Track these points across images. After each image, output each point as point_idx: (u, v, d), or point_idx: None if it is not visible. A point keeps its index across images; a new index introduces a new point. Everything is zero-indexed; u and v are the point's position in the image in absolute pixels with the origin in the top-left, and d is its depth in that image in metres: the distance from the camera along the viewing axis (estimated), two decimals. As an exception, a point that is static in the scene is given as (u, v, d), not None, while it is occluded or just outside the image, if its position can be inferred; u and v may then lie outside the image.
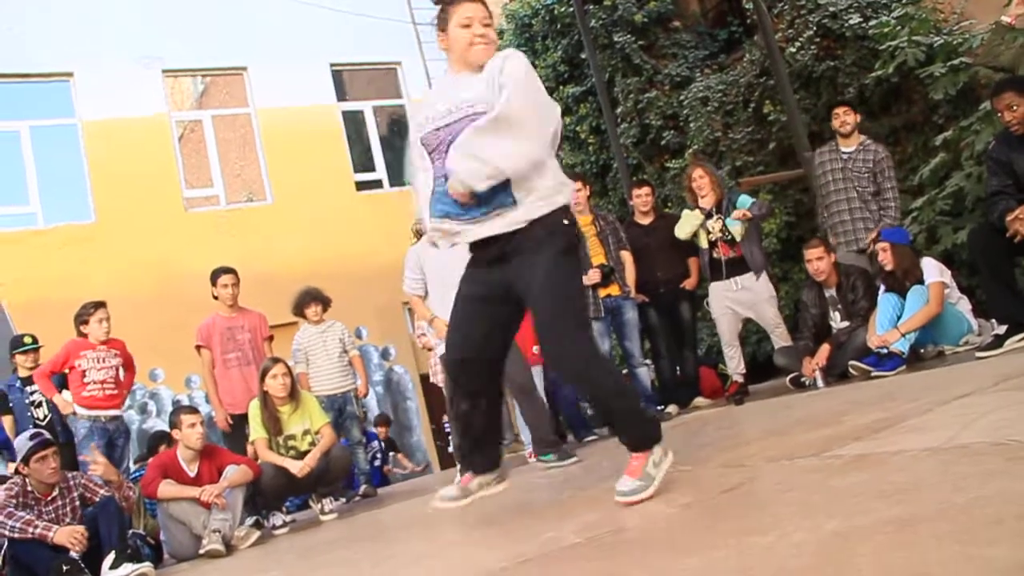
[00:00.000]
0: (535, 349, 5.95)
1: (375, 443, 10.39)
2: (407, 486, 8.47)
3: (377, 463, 10.15)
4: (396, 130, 15.09)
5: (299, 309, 6.88)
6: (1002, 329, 4.54)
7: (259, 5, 13.22)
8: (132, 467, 7.14)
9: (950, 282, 5.48)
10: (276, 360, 5.91)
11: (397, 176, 14.35)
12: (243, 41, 13.19)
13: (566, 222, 2.89)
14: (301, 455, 5.69)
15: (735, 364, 6.54)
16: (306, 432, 5.82)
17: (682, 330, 6.97)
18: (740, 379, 6.49)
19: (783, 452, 2.90)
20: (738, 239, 6.26)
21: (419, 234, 5.40)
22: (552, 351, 2.84)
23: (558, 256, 2.79)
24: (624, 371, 7.11)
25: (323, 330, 6.86)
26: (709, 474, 2.93)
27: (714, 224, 6.44)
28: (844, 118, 6.32)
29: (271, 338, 6.81)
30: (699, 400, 6.79)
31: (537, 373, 5.97)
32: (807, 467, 2.49)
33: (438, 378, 5.66)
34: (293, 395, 5.83)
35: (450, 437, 7.01)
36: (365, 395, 7.24)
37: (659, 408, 6.91)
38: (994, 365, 3.96)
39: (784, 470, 2.57)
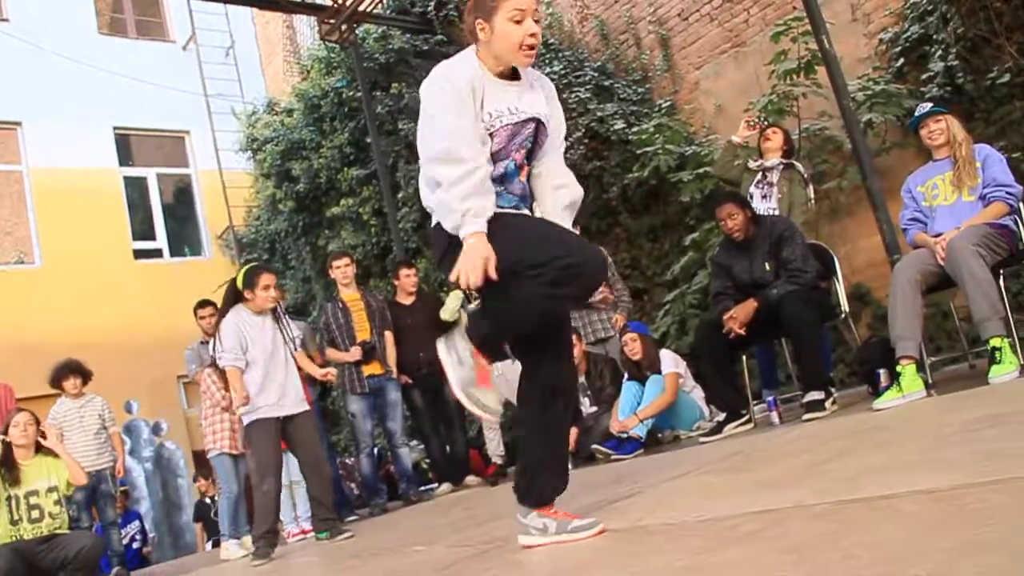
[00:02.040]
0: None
1: (135, 523, 9.99)
2: (170, 567, 8.26)
3: (136, 544, 9.74)
4: (181, 199, 14.86)
5: (56, 381, 6.70)
6: (722, 416, 5.13)
7: (39, 60, 12.79)
8: None
9: (685, 372, 6.05)
10: (21, 410, 5.83)
11: (178, 247, 14.13)
12: (18, 95, 12.71)
13: None
14: (44, 515, 5.57)
15: (494, 447, 6.90)
16: (51, 489, 5.67)
17: (447, 412, 7.09)
18: (499, 460, 6.86)
19: (504, 534, 3.18)
20: None
21: (236, 299, 5.29)
22: None
23: None
24: (388, 451, 7.36)
25: (81, 404, 6.72)
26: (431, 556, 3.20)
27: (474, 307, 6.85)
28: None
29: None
30: (469, 479, 6.96)
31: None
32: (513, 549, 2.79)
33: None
34: (39, 450, 5.76)
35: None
36: (122, 475, 7.10)
37: (423, 488, 7.19)
38: (714, 448, 4.48)
39: (489, 553, 2.86)
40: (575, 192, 2.76)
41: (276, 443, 5.14)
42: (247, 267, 5.43)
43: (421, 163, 2.64)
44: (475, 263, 2.38)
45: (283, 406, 5.13)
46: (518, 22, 2.48)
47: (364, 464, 6.82)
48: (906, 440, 2.89)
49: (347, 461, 7.70)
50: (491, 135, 2.54)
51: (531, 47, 2.52)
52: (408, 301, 7.26)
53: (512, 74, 2.63)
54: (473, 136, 2.48)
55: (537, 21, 2.52)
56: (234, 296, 5.25)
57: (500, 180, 2.60)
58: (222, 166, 13.57)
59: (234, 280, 5.30)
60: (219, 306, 5.50)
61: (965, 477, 1.91)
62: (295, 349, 5.39)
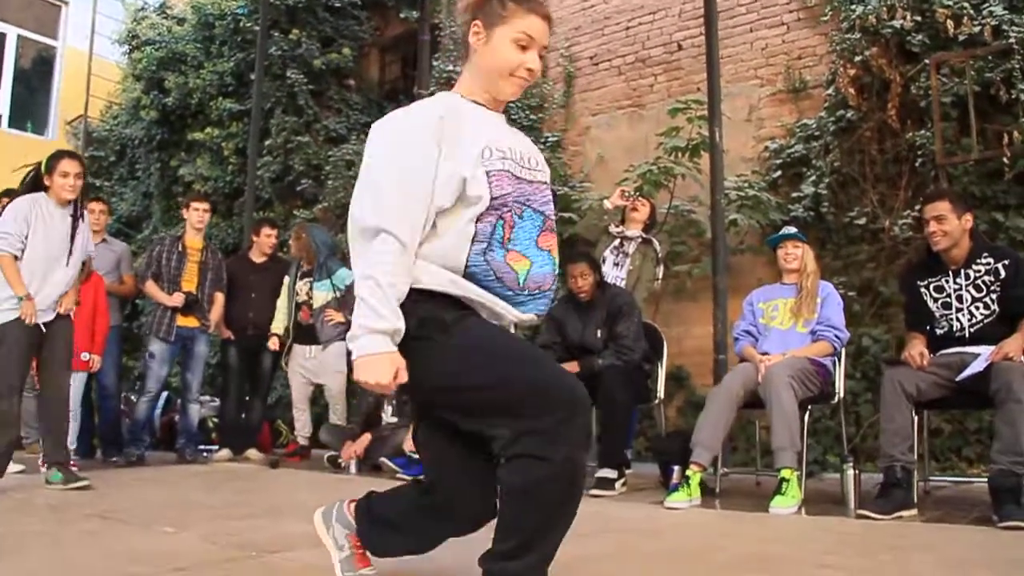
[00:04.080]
0: (84, 356, 5.77)
1: None
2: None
3: None
4: (38, 70, 13.83)
5: None
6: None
7: None
8: None
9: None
10: None
11: (20, 118, 13.15)
12: None
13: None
14: None
15: (300, 426, 6.84)
16: None
17: (259, 377, 6.96)
18: (304, 441, 6.77)
19: (261, 538, 3.05)
20: (315, 305, 6.60)
21: (36, 186, 4.88)
22: None
23: None
24: (177, 401, 7.07)
25: None
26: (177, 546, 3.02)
27: (302, 286, 6.71)
28: None
29: None
30: (252, 452, 6.74)
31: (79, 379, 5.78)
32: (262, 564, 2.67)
33: None
34: None
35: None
36: None
37: (204, 450, 6.91)
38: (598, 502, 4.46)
39: (234, 563, 2.73)
40: None
41: (28, 355, 4.73)
42: (53, 152, 4.99)
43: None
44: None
45: (48, 315, 4.74)
46: (523, 47, 2.07)
47: (141, 409, 6.48)
48: (682, 555, 2.94)
49: (131, 397, 7.30)
50: (487, 175, 2.01)
51: (523, 80, 2.11)
52: (259, 260, 7.10)
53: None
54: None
55: (540, 56, 2.12)
56: (35, 182, 4.86)
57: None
58: (94, 50, 12.75)
59: (39, 165, 4.90)
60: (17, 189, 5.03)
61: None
62: (85, 257, 5.05)
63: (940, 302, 4.12)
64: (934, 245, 4.12)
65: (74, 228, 4.85)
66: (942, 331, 4.09)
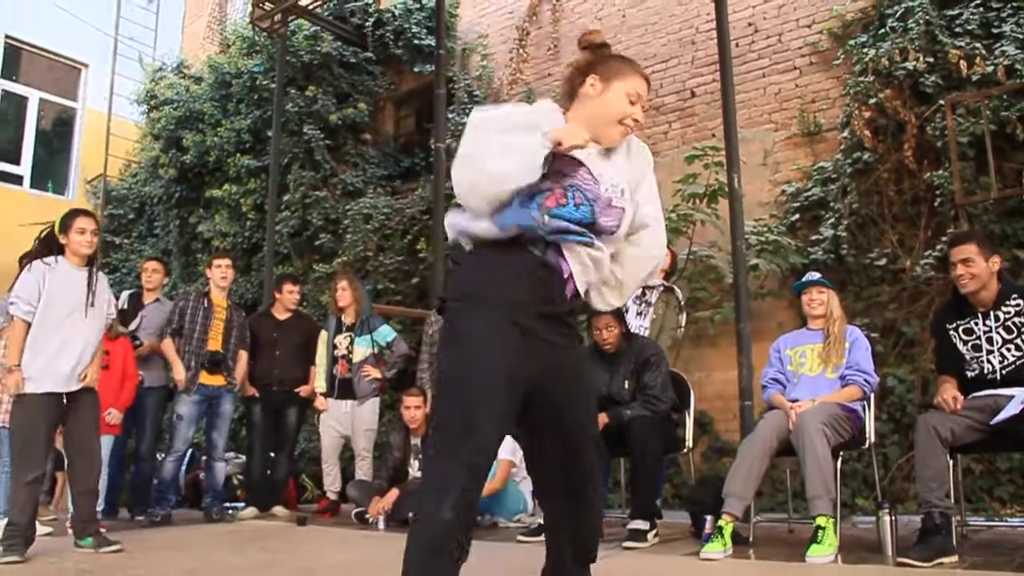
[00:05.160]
0: (107, 415, 5.77)
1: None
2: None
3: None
4: (59, 132, 14.06)
5: None
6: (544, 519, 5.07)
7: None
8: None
9: (519, 462, 6.00)
10: None
11: (41, 179, 13.34)
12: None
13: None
14: None
15: (330, 481, 6.83)
16: None
17: (284, 433, 6.95)
18: (334, 496, 6.77)
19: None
20: (355, 360, 6.64)
21: (51, 247, 4.79)
22: None
23: None
24: (203, 459, 7.08)
25: None
26: None
27: (341, 340, 6.75)
28: None
29: None
30: (278, 508, 6.72)
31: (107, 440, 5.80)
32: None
33: None
34: None
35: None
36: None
37: (230, 507, 6.90)
38: (530, 552, 4.44)
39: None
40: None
41: (52, 426, 4.64)
42: (67, 211, 4.91)
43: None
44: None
45: (71, 382, 4.64)
46: (632, 103, 2.38)
47: (168, 468, 6.45)
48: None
49: (157, 456, 7.31)
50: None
51: (629, 128, 2.39)
52: (283, 316, 7.11)
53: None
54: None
55: (643, 110, 2.44)
56: (49, 242, 4.79)
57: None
58: (113, 111, 12.96)
59: (52, 225, 4.83)
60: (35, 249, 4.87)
61: None
62: (108, 319, 4.99)
63: (970, 344, 4.10)
64: (962, 288, 4.11)
65: (90, 283, 4.80)
66: (973, 374, 4.07)
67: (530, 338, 2.20)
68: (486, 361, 2.15)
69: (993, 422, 3.81)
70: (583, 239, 2.26)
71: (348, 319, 6.84)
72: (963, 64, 6.20)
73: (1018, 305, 4.02)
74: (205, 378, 6.42)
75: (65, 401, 4.67)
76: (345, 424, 6.73)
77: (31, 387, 4.55)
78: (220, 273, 6.70)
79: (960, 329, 4.16)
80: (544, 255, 2.25)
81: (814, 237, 6.80)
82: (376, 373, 6.62)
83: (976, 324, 4.10)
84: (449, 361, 2.25)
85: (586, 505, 2.36)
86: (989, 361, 4.02)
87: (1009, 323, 4.01)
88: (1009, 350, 3.98)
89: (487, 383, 2.13)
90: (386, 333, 6.77)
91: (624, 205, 2.31)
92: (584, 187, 2.27)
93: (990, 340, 4.04)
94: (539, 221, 2.21)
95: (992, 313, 4.07)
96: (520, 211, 2.21)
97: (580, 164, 2.28)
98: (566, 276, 2.28)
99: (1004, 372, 3.97)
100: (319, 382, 6.83)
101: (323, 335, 6.93)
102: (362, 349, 6.72)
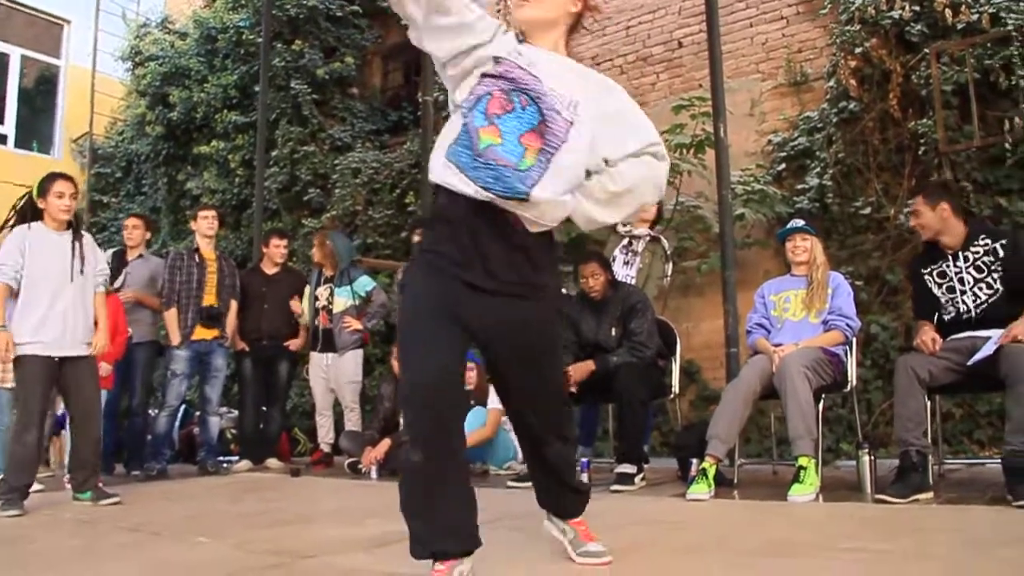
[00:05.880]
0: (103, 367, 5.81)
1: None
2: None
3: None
4: (42, 90, 13.91)
5: None
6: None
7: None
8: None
9: (509, 411, 6.11)
10: None
11: (26, 138, 13.24)
12: None
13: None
14: None
15: (323, 433, 6.92)
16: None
17: (275, 387, 7.00)
18: (327, 448, 6.85)
19: (297, 546, 3.14)
20: (335, 311, 6.68)
21: (32, 212, 4.81)
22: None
23: None
24: (196, 415, 7.14)
25: None
26: (216, 554, 3.10)
27: (322, 292, 6.80)
28: None
29: None
30: (272, 461, 6.79)
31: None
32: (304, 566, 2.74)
33: None
34: None
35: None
36: None
37: (224, 461, 6.98)
38: (521, 497, 4.50)
39: (280, 568, 2.80)
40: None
41: (47, 388, 4.71)
42: (45, 175, 4.90)
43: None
44: None
45: (63, 345, 4.68)
46: None
47: (162, 423, 6.55)
48: (708, 545, 3.01)
49: (151, 411, 7.38)
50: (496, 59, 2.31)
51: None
52: (271, 271, 7.16)
53: None
54: None
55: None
56: (30, 208, 4.81)
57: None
58: (97, 67, 12.85)
59: (31, 190, 4.85)
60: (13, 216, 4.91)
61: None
62: (101, 284, 5.01)
63: (944, 287, 4.20)
64: (922, 237, 4.36)
65: (74, 248, 4.82)
66: (949, 316, 4.17)
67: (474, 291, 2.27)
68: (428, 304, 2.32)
69: (970, 363, 3.90)
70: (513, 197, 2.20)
71: (328, 271, 6.89)
72: (948, 12, 6.21)
73: (987, 244, 4.13)
74: (198, 332, 6.49)
75: (61, 365, 4.71)
76: (329, 376, 6.80)
77: (24, 349, 4.61)
78: (207, 224, 6.74)
79: (934, 273, 4.27)
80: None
81: (800, 186, 6.86)
82: (357, 324, 6.66)
83: (947, 267, 4.21)
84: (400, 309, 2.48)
85: (547, 448, 2.51)
86: (963, 302, 4.12)
87: (979, 262, 4.12)
88: (981, 289, 4.09)
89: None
90: (365, 283, 6.78)
91: (574, 119, 2.25)
92: (528, 87, 2.25)
93: (962, 280, 4.15)
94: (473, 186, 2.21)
95: (961, 254, 4.18)
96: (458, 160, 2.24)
97: (520, 67, 2.27)
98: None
99: (978, 311, 4.07)
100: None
101: (307, 288, 6.99)
102: (342, 300, 6.75)
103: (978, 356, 3.84)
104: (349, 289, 6.75)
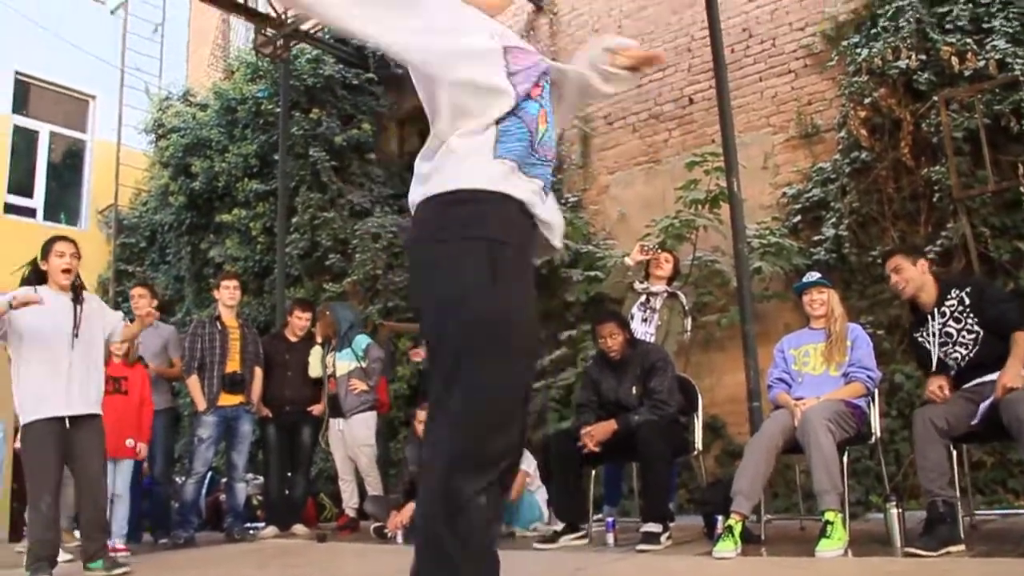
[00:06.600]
0: (129, 442, 5.87)
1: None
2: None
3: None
4: (69, 164, 14.22)
5: None
6: (560, 525, 5.14)
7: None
8: None
9: (533, 472, 6.10)
10: None
11: (54, 211, 13.50)
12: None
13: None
14: None
15: (347, 497, 6.92)
16: None
17: (299, 453, 7.04)
18: (352, 513, 6.84)
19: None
20: (339, 375, 6.74)
21: (37, 277, 4.93)
22: None
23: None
24: (222, 481, 7.16)
25: None
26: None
27: (329, 359, 6.86)
28: None
29: None
30: (298, 527, 6.80)
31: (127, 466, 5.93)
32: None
33: None
34: None
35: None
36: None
37: (250, 527, 6.99)
38: (548, 559, 4.51)
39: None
40: None
41: (57, 451, 4.70)
42: (47, 239, 5.02)
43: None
44: None
45: (71, 405, 4.72)
46: None
47: (189, 490, 6.59)
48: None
49: (177, 479, 7.42)
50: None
51: None
52: (294, 339, 7.24)
53: None
54: None
55: None
56: (35, 273, 4.92)
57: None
58: (121, 140, 13.13)
59: (35, 258, 4.97)
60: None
61: None
62: (107, 338, 5.10)
63: (937, 344, 4.29)
64: (903, 295, 4.47)
65: (76, 311, 4.88)
66: (952, 368, 4.24)
67: None
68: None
69: (973, 423, 3.96)
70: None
71: (334, 341, 6.95)
72: (955, 60, 6.26)
73: (956, 296, 4.26)
74: (223, 399, 6.56)
75: (69, 426, 4.73)
76: (346, 442, 6.82)
77: (28, 417, 4.66)
78: (228, 293, 6.85)
79: (923, 333, 4.36)
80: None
81: (816, 237, 6.87)
82: (362, 386, 6.69)
83: (931, 324, 4.31)
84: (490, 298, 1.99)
85: None
86: (957, 351, 4.22)
87: (956, 314, 4.24)
88: (964, 337, 4.20)
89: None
90: (361, 342, 6.83)
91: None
92: (534, 66, 2.13)
93: (948, 335, 4.25)
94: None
95: (937, 311, 4.30)
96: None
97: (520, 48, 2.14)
98: None
99: (973, 357, 4.16)
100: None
101: (317, 351, 7.07)
102: (344, 364, 6.79)
103: (979, 416, 3.92)
104: (350, 351, 6.80)
